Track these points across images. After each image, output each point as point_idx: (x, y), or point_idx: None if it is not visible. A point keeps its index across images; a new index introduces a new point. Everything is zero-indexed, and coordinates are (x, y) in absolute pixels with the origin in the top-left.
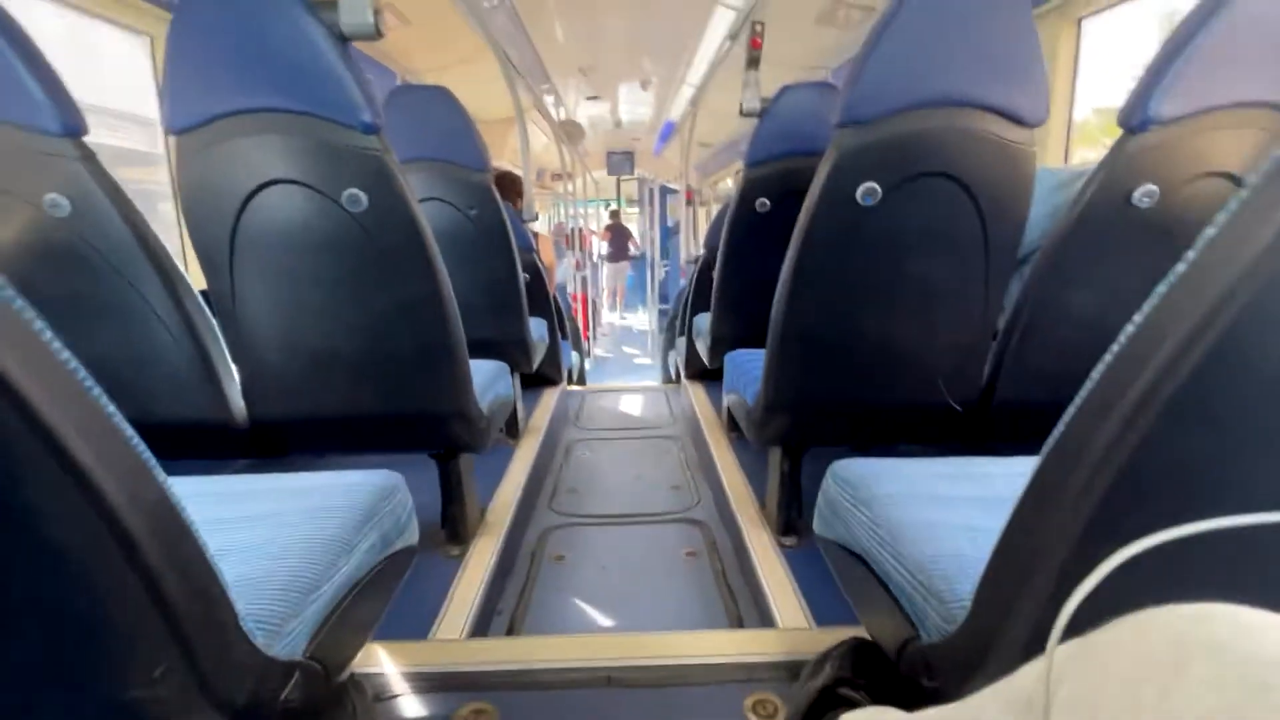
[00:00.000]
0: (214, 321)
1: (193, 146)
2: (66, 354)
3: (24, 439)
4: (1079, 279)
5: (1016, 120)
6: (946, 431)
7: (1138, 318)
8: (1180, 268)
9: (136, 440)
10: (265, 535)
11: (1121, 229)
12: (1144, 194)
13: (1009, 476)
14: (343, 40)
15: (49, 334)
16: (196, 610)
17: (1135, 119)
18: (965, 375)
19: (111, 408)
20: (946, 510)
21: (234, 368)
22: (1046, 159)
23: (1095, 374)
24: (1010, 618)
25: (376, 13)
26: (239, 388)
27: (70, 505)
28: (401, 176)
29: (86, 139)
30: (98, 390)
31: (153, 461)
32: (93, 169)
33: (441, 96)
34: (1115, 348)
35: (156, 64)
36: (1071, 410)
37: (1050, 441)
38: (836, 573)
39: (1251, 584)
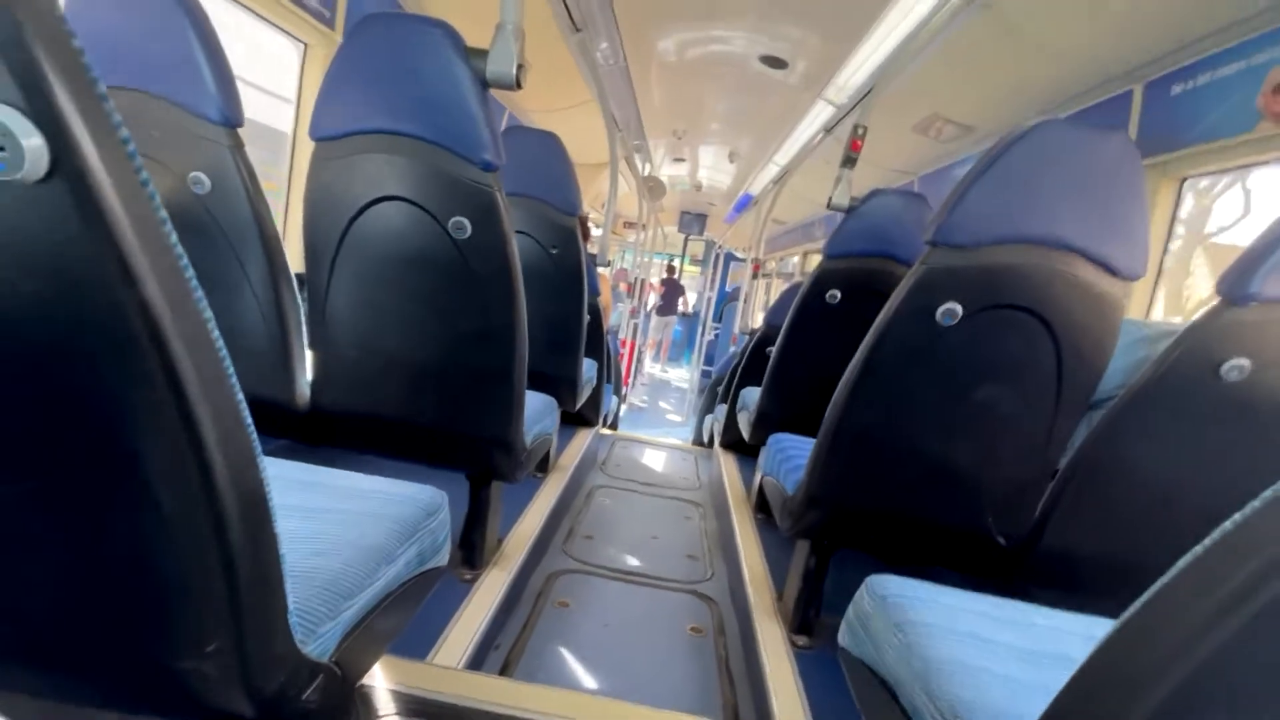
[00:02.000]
0: (302, 308)
1: (329, 154)
2: (218, 337)
3: (165, 403)
4: (1149, 437)
5: (1111, 271)
6: (985, 563)
7: (1258, 502)
8: None
9: (251, 427)
10: (317, 529)
11: (1203, 397)
12: (1233, 367)
13: (1054, 631)
14: (484, 86)
15: (209, 316)
16: (257, 594)
17: (1236, 291)
18: (1016, 511)
19: (240, 394)
20: (986, 655)
21: (308, 354)
22: (1130, 311)
23: (1198, 550)
24: None
25: (520, 67)
26: (308, 374)
27: (185, 470)
28: (507, 214)
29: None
30: (234, 376)
31: (258, 448)
32: (237, 157)
33: (550, 141)
34: (1224, 527)
35: (305, 72)
36: (1162, 581)
37: (1131, 611)
38: (855, 691)
39: None
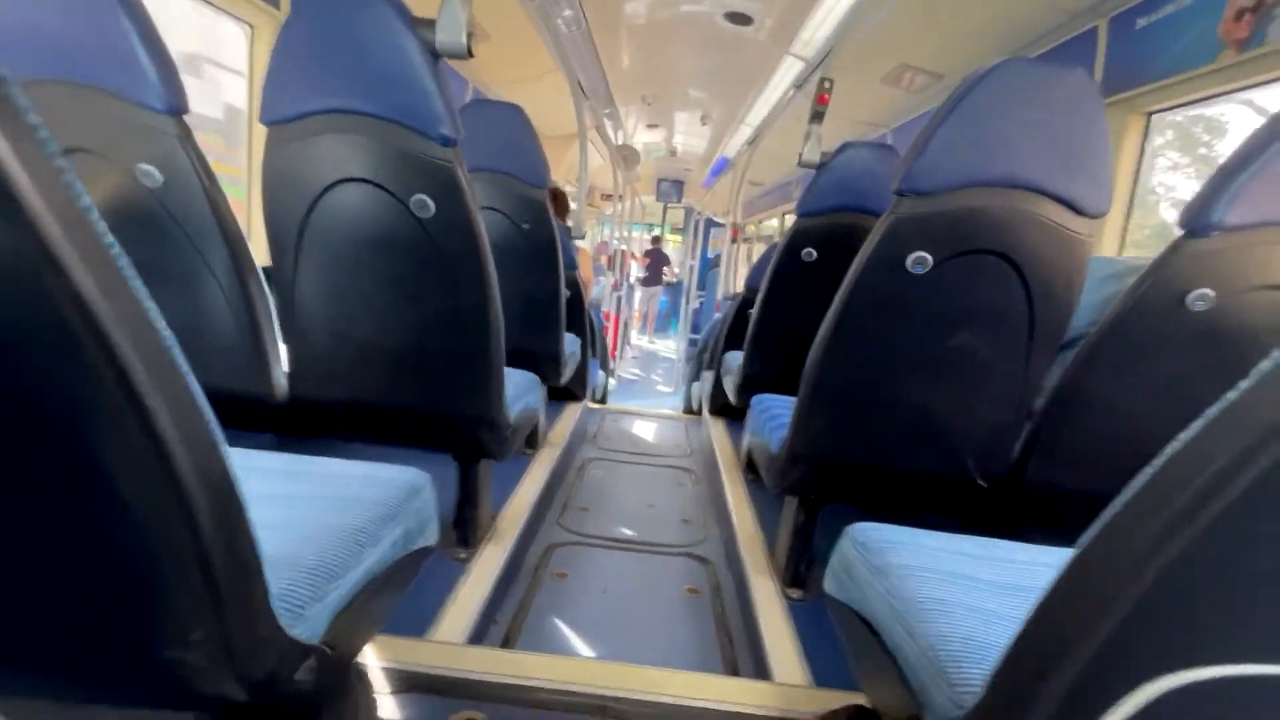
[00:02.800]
0: (271, 300)
1: (282, 138)
2: (164, 326)
3: (117, 400)
4: (1121, 372)
5: (1076, 210)
6: (969, 506)
7: (1201, 421)
8: (1256, 374)
9: (210, 415)
10: (298, 515)
11: (1171, 329)
12: (1198, 297)
13: (1031, 565)
14: (435, 56)
15: (151, 305)
16: (237, 582)
17: (1198, 222)
18: (995, 452)
19: (194, 383)
20: (964, 591)
21: (282, 346)
22: (1102, 248)
23: (1145, 474)
24: (1024, 714)
25: (470, 34)
26: (284, 365)
27: (145, 464)
28: (470, 189)
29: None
30: (185, 365)
31: (220, 436)
32: (187, 147)
33: (514, 114)
34: (1169, 450)
35: (254, 55)
36: (1114, 508)
37: (1086, 537)
38: (843, 635)
39: None
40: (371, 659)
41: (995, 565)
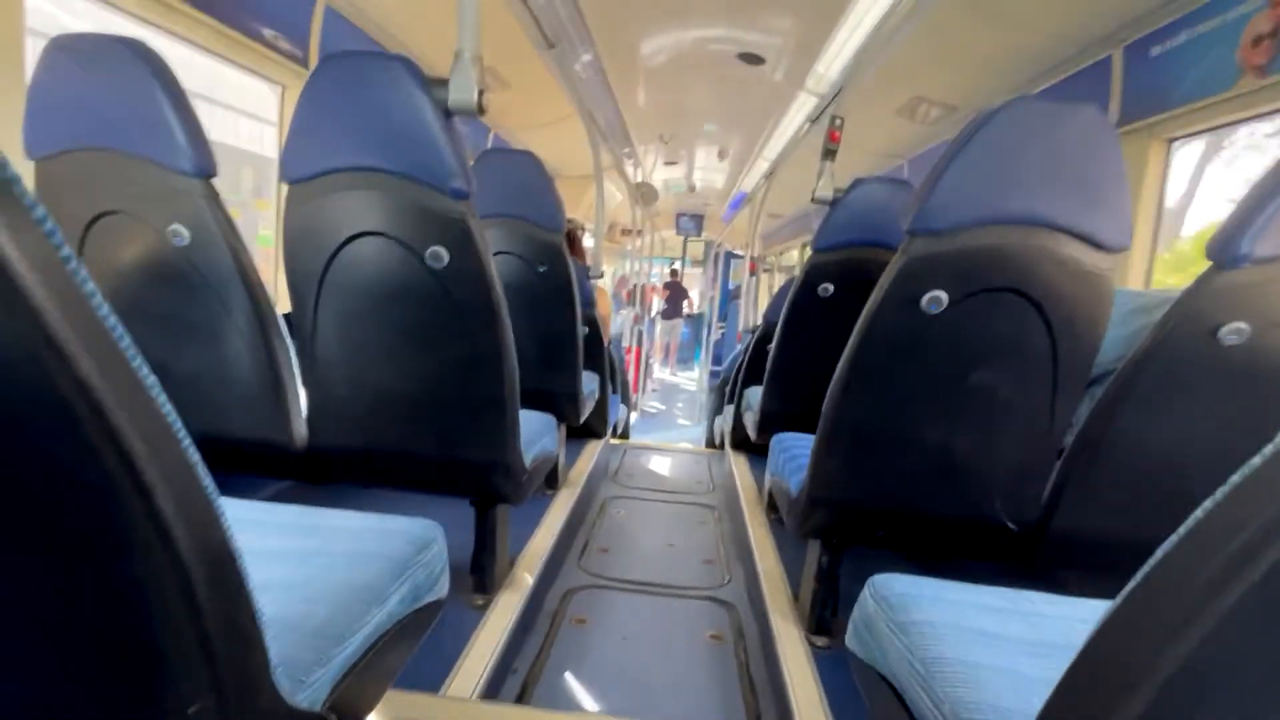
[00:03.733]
0: (292, 349)
1: (302, 195)
2: (164, 400)
3: (114, 473)
4: (1152, 409)
5: (1095, 245)
6: (1000, 551)
7: (1247, 468)
8: None
9: (210, 486)
10: (304, 574)
11: (1204, 364)
12: (1231, 331)
13: (1064, 620)
14: (448, 114)
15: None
16: (235, 652)
17: (1227, 253)
18: (1023, 495)
19: (195, 453)
20: (991, 651)
21: (302, 394)
22: (1129, 280)
23: (1187, 525)
24: None
25: (481, 93)
26: (304, 413)
27: (143, 539)
28: (482, 240)
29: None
30: (185, 435)
31: (220, 506)
32: (214, 207)
33: (527, 160)
34: (1213, 499)
35: (284, 113)
36: (1153, 561)
37: (1122, 594)
38: (865, 696)
39: None
40: (384, 717)
41: (1025, 620)
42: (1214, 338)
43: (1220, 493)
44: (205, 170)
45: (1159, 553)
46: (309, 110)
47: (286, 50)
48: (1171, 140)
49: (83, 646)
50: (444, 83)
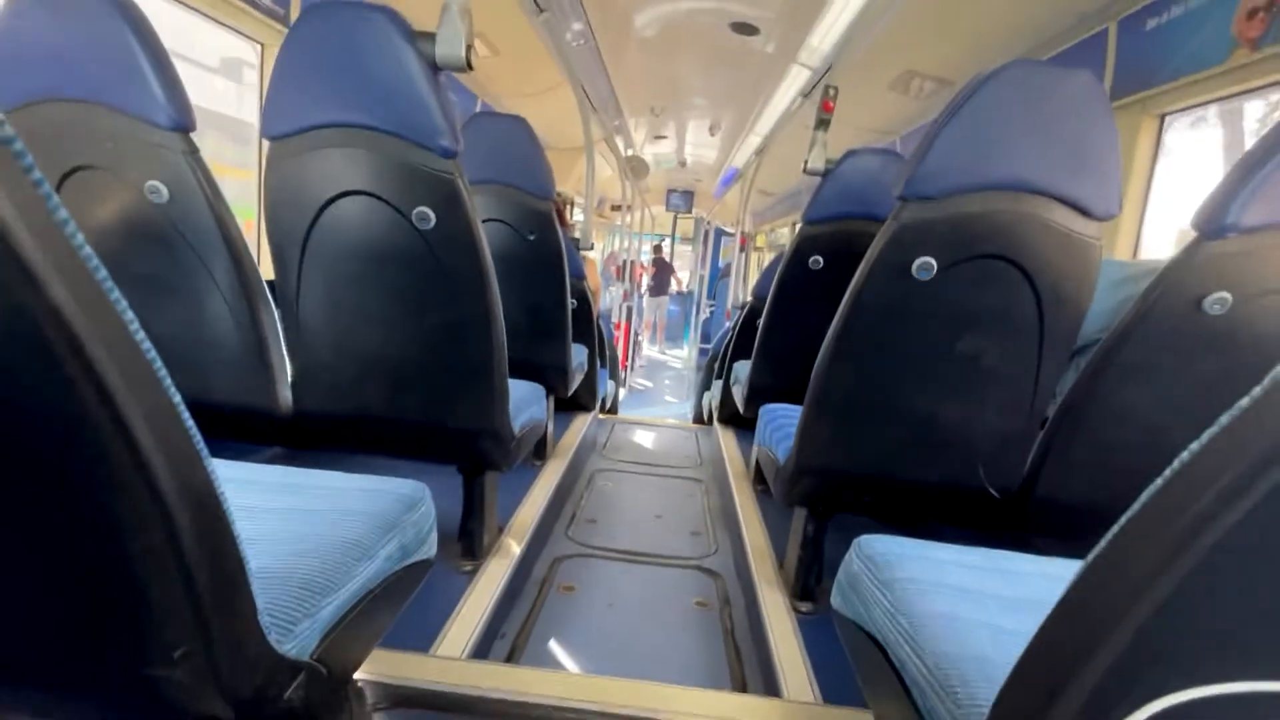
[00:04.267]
0: (276, 314)
1: (284, 152)
2: (143, 337)
3: (94, 413)
4: (1136, 378)
5: (1084, 212)
6: (982, 517)
7: (1212, 430)
8: (1270, 380)
9: (193, 427)
10: (292, 529)
11: (1188, 334)
12: (1215, 301)
13: (1041, 577)
14: (434, 69)
15: (130, 316)
16: (222, 598)
17: (1213, 223)
18: (1007, 462)
19: (176, 394)
20: (971, 605)
21: (287, 359)
22: (1117, 251)
23: (1155, 485)
24: None
25: (469, 47)
26: (289, 378)
27: (125, 479)
28: (470, 201)
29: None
30: (166, 376)
31: (204, 449)
32: (194, 162)
33: (517, 125)
34: (1180, 460)
35: (264, 71)
36: (1123, 520)
37: (1094, 551)
38: (850, 652)
39: None
40: (371, 675)
41: (1005, 578)
42: (1198, 308)
43: (1188, 452)
44: (184, 124)
45: (1131, 510)
46: (291, 64)
47: (266, 6)
48: (1163, 115)
49: (66, 586)
50: (431, 36)
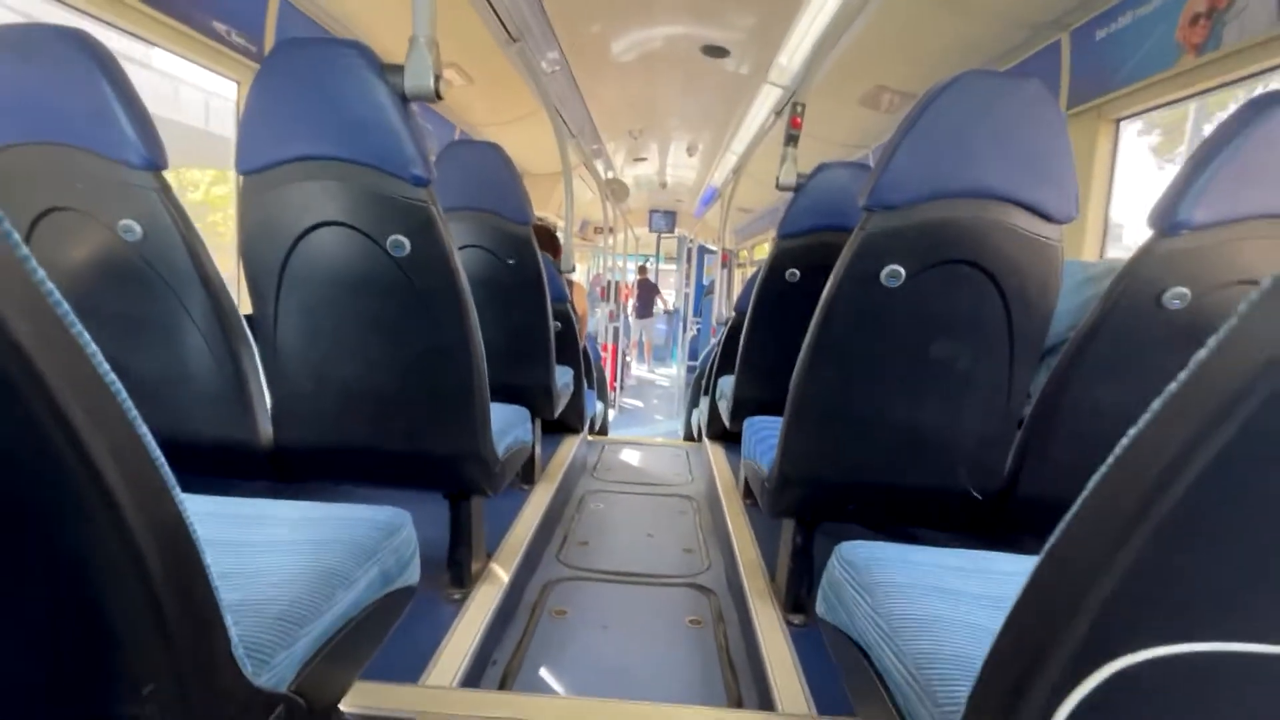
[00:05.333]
0: (254, 347)
1: (259, 186)
2: (107, 370)
3: (57, 447)
4: (1105, 375)
5: (1044, 215)
6: (965, 520)
7: (1145, 417)
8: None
9: (161, 461)
10: (269, 561)
11: (1150, 329)
12: (1174, 296)
13: (1021, 575)
14: (405, 100)
15: (94, 350)
16: (191, 632)
17: (1167, 221)
18: (986, 463)
19: (143, 427)
20: (951, 606)
21: (267, 392)
22: (1084, 252)
23: (1098, 474)
24: None
25: (438, 78)
26: (269, 412)
27: (89, 515)
28: (444, 227)
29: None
30: (132, 409)
31: (173, 482)
32: (167, 200)
33: (493, 152)
34: (1118, 450)
35: (240, 107)
36: (1071, 512)
37: (1047, 547)
38: (836, 659)
39: (1247, 709)
40: (359, 707)
41: (984, 578)
42: (1159, 303)
43: (1123, 442)
44: (156, 162)
45: (1079, 500)
46: (263, 99)
47: (240, 45)
48: (1119, 120)
49: (31, 623)
50: (400, 69)
